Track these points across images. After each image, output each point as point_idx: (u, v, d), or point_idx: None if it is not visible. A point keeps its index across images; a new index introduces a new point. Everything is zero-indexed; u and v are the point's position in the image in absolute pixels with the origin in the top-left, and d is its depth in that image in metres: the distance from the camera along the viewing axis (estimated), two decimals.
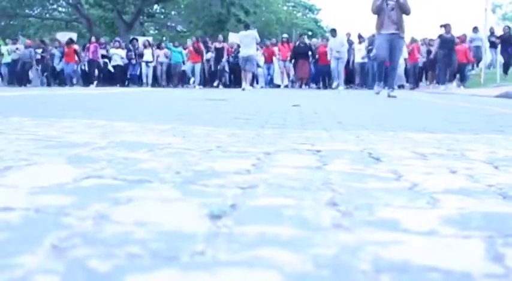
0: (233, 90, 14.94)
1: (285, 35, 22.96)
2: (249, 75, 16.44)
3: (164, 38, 23.97)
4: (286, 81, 21.60)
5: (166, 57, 21.86)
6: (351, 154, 1.89)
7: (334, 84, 19.04)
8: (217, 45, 21.42)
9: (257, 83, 21.35)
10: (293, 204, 1.04)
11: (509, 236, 0.85)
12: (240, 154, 1.83)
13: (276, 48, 21.88)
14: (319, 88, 20.38)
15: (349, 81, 21.48)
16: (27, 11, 34.77)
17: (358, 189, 1.22)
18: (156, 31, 40.43)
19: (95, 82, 21.09)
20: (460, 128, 3.45)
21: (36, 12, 36.52)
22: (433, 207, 1.05)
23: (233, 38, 21.89)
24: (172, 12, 39.98)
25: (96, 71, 21.70)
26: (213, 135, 2.53)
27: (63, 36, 22.63)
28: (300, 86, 20.37)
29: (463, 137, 2.74)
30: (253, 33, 15.86)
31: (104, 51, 21.59)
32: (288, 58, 21.16)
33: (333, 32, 19.74)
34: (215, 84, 21.14)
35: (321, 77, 21.23)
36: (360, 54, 20.48)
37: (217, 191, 1.17)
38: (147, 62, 21.68)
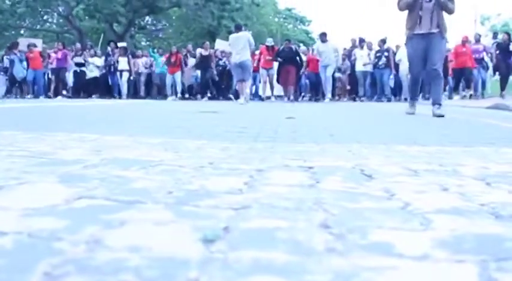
0: (223, 103, 14.10)
1: (270, 40, 19.02)
2: (245, 85, 13.60)
3: (155, 50, 22.53)
4: (270, 92, 18.38)
5: (146, 68, 19.98)
6: (343, 170, 1.89)
7: (327, 99, 16.31)
8: (204, 52, 18.80)
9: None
10: (286, 226, 1.04)
11: (502, 260, 0.85)
12: (232, 171, 1.83)
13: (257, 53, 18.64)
14: (310, 100, 17.88)
15: (354, 92, 18.88)
16: (18, 22, 34.72)
17: (351, 209, 1.22)
18: (148, 43, 40.45)
19: (63, 92, 19.09)
20: (451, 140, 3.47)
21: (28, 23, 36.49)
22: (426, 228, 1.05)
23: (220, 45, 19.46)
24: (163, 22, 40.10)
25: (69, 81, 19.60)
26: (205, 149, 2.53)
27: (25, 43, 19.82)
28: (288, 98, 17.15)
29: (455, 150, 2.75)
30: (245, 35, 13.34)
31: (80, 59, 19.47)
32: (272, 66, 17.86)
33: (323, 36, 16.68)
34: (199, 96, 18.92)
35: (310, 87, 18.67)
36: (361, 61, 17.92)
37: (210, 212, 1.16)
38: (121, 71, 19.56)
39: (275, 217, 1.13)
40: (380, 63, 17.52)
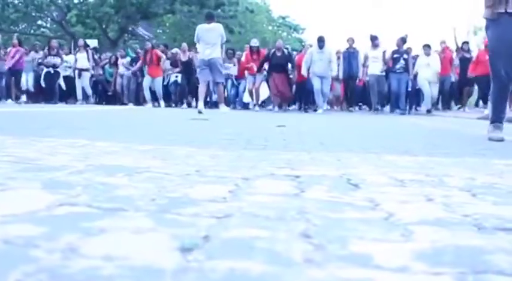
0: (213, 111, 14.11)
1: (255, 41, 16.03)
2: (220, 89, 11.12)
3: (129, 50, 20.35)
4: (256, 100, 15.69)
5: (128, 68, 17.75)
6: (329, 179, 1.88)
7: (319, 111, 13.92)
8: (183, 58, 16.50)
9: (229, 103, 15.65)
10: (266, 236, 1.03)
11: (480, 272, 0.84)
12: (218, 179, 1.82)
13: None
14: (302, 110, 15.48)
15: (358, 101, 16.96)
16: (12, 27, 34.65)
17: (333, 219, 1.21)
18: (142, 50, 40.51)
19: (23, 97, 16.86)
20: (441, 151, 3.47)
21: (21, 28, 36.41)
22: (407, 240, 1.04)
23: None
24: (158, 31, 40.16)
25: (27, 83, 17.10)
26: (194, 157, 2.52)
27: None
28: (280, 107, 14.76)
29: (444, 160, 2.75)
30: (218, 27, 10.68)
31: (57, 59, 16.84)
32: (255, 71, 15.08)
33: (321, 42, 13.99)
34: (184, 104, 16.59)
35: (298, 96, 16.24)
36: (376, 65, 14.60)
37: (191, 220, 1.15)
38: (80, 70, 16.99)
39: (256, 226, 1.12)
40: (398, 66, 14.28)
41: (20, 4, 31.21)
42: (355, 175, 2.02)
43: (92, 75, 17.91)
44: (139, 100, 17.39)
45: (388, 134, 5.69)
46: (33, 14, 33.45)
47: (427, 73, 14.33)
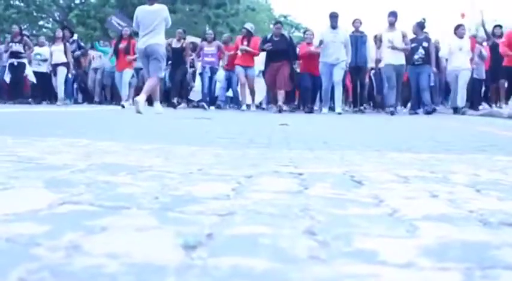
0: (214, 110, 13.82)
1: (249, 25, 13.56)
2: (153, 82, 8.60)
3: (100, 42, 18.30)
4: (251, 99, 13.20)
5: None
6: (333, 177, 1.87)
7: (324, 110, 11.66)
8: (174, 44, 13.64)
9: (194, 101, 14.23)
10: (270, 233, 1.02)
11: (488, 268, 0.83)
12: (221, 177, 1.81)
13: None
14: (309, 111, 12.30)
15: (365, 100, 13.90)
16: (14, 26, 34.68)
17: (338, 216, 1.20)
18: None
19: None
20: (444, 147, 3.46)
21: (24, 28, 36.45)
22: (412, 236, 1.03)
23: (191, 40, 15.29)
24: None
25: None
26: (196, 155, 2.51)
27: None
28: (280, 111, 11.76)
29: (447, 157, 2.74)
30: (161, 9, 8.60)
31: (19, 47, 14.38)
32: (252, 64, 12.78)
33: (334, 18, 11.39)
34: (174, 101, 13.65)
35: (301, 92, 13.44)
36: (392, 53, 11.30)
37: (194, 218, 1.15)
38: (56, 65, 14.27)
39: (260, 223, 1.11)
40: (416, 57, 11.76)
41: (21, 4, 31.21)
42: (358, 172, 2.01)
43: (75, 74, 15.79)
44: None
45: (390, 132, 5.68)
46: (35, 14, 33.46)
47: (460, 59, 11.75)
